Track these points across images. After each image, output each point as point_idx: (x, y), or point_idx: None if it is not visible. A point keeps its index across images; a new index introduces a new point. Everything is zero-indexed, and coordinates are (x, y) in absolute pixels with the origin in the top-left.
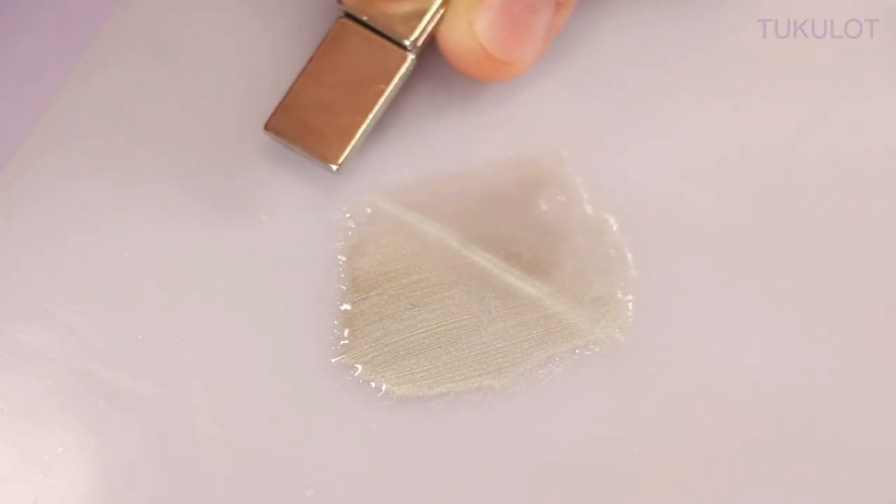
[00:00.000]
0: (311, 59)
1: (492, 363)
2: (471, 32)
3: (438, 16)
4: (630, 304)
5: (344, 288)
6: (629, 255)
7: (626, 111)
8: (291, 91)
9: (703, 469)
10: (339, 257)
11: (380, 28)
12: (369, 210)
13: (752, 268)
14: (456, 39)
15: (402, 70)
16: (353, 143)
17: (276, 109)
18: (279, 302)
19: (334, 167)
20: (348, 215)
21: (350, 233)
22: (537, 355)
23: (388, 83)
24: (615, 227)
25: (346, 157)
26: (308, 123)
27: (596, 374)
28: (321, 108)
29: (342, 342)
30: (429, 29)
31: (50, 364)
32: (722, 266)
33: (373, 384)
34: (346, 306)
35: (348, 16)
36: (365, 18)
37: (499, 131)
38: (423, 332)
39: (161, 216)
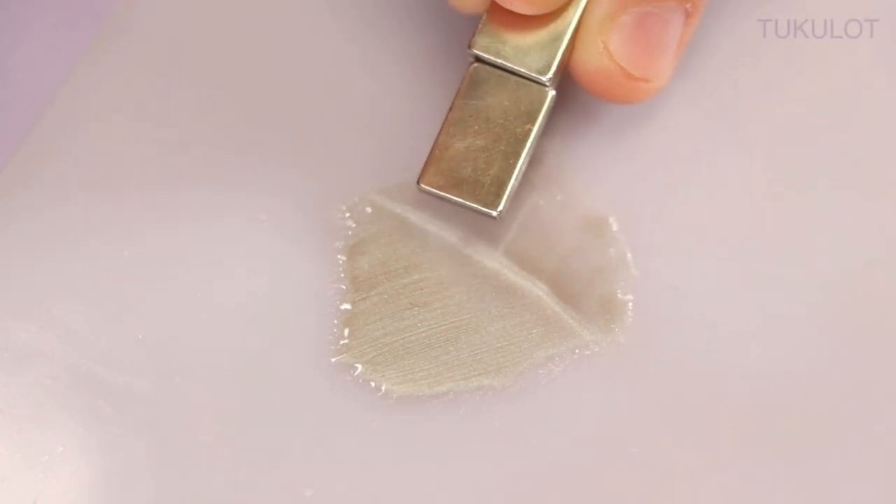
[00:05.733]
0: (450, 109)
1: (492, 363)
2: (607, 53)
3: (569, 46)
4: (630, 304)
5: (344, 288)
6: (629, 255)
7: (625, 110)
8: (438, 143)
9: (702, 469)
10: (339, 257)
11: (514, 68)
12: (369, 210)
13: (751, 267)
14: (593, 63)
15: (545, 107)
16: (509, 186)
17: (427, 164)
18: (279, 302)
19: (494, 213)
20: (348, 215)
21: (350, 232)
22: (537, 355)
23: (534, 122)
24: (615, 227)
25: (504, 202)
26: (460, 173)
27: (596, 374)
28: (471, 156)
29: (342, 342)
30: (564, 60)
31: (50, 364)
32: (722, 266)
33: (373, 384)
34: (346, 306)
35: (479, 60)
36: (498, 61)
37: None
38: (423, 332)
39: (161, 216)
